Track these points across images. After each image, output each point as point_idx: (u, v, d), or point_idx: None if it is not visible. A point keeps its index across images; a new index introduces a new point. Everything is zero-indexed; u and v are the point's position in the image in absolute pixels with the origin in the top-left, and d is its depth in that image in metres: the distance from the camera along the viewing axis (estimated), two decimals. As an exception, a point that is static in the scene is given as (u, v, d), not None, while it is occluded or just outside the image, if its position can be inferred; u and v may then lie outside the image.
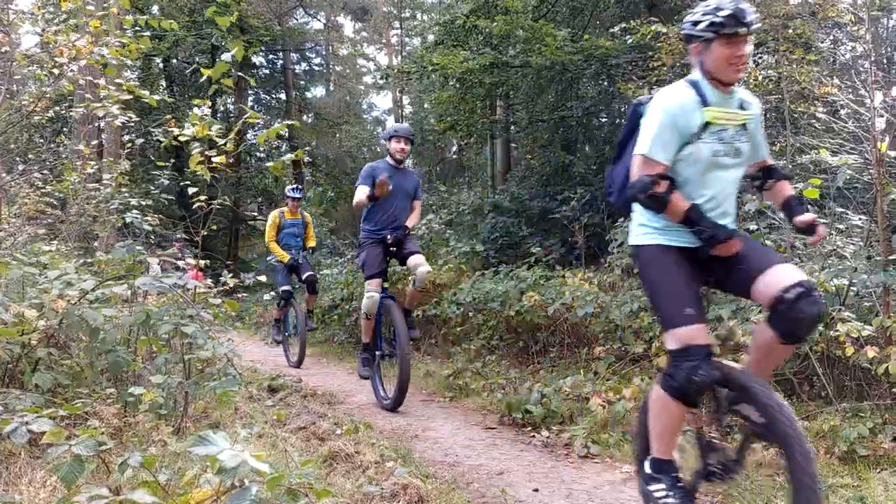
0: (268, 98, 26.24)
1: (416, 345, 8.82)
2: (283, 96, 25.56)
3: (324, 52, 29.24)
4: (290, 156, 3.82)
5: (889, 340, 4.19)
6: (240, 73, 3.59)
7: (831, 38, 8.36)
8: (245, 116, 3.70)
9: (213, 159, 3.72)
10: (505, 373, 6.47)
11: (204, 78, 3.59)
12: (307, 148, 23.65)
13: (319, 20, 28.07)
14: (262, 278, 7.14)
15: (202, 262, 6.12)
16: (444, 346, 8.25)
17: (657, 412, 2.61)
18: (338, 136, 28.09)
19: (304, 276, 8.34)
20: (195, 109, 3.73)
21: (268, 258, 8.75)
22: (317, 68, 28.95)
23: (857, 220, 5.76)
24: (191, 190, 4.32)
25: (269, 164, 3.99)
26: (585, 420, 4.56)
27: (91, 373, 3.78)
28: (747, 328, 4.58)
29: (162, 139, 5.11)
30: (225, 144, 3.69)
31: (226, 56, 3.40)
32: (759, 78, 6.65)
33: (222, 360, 3.81)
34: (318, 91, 31.21)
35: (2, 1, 5.44)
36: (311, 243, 8.71)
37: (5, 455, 2.93)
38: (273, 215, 8.49)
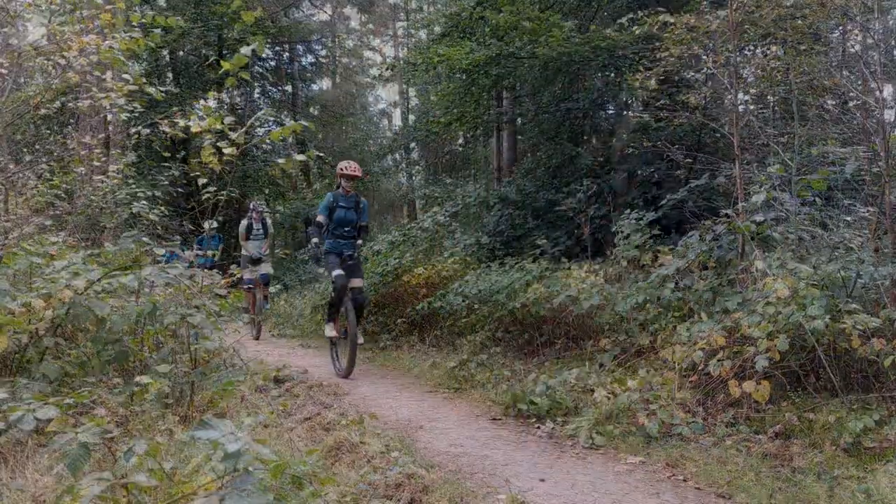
0: (273, 90, 26.22)
1: (421, 336, 8.87)
2: (288, 88, 25.51)
3: (330, 45, 29.20)
4: (301, 156, 3.81)
5: (896, 332, 4.17)
6: (243, 76, 3.57)
7: (840, 29, 8.29)
8: (259, 113, 3.70)
9: (225, 151, 3.73)
10: (510, 365, 6.48)
11: (222, 71, 3.58)
12: (313, 141, 23.64)
13: (325, 12, 28.01)
14: (270, 269, 7.12)
15: (210, 253, 6.13)
16: (450, 338, 8.25)
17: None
18: (343, 128, 28.06)
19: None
20: (208, 101, 3.73)
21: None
22: (323, 61, 28.89)
23: (864, 213, 5.73)
24: (200, 181, 4.33)
25: (280, 160, 3.99)
26: (590, 412, 4.56)
27: (97, 362, 3.80)
28: (753, 321, 4.57)
29: (168, 130, 5.14)
30: (236, 138, 3.70)
31: (245, 49, 3.40)
32: (768, 69, 6.61)
33: (228, 350, 3.83)
34: (323, 83, 31.19)
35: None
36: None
37: (12, 443, 2.95)
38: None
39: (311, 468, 2.14)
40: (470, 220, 12.74)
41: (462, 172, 21.72)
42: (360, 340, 6.86)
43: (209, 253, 8.57)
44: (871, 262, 4.51)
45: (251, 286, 10.27)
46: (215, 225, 10.25)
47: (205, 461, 2.30)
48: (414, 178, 25.34)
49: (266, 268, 10.46)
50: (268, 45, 23.93)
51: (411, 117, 28.74)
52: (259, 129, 19.99)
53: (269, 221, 10.74)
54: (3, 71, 5.72)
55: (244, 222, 10.50)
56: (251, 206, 10.64)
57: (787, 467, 3.58)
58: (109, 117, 11.04)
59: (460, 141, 22.65)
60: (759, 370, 4.27)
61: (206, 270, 8.84)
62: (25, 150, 9.15)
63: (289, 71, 25.01)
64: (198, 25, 18.12)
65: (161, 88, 5.15)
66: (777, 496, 3.18)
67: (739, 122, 5.88)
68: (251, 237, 10.46)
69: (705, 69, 6.71)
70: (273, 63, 25.30)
